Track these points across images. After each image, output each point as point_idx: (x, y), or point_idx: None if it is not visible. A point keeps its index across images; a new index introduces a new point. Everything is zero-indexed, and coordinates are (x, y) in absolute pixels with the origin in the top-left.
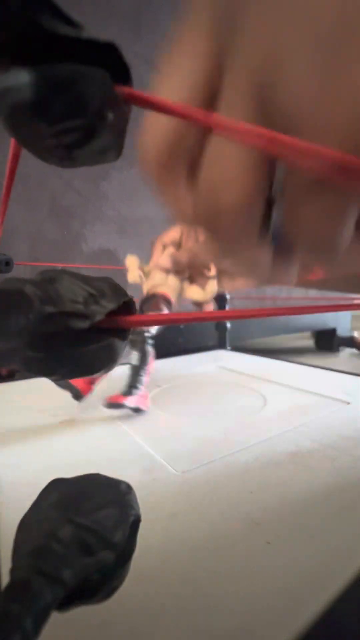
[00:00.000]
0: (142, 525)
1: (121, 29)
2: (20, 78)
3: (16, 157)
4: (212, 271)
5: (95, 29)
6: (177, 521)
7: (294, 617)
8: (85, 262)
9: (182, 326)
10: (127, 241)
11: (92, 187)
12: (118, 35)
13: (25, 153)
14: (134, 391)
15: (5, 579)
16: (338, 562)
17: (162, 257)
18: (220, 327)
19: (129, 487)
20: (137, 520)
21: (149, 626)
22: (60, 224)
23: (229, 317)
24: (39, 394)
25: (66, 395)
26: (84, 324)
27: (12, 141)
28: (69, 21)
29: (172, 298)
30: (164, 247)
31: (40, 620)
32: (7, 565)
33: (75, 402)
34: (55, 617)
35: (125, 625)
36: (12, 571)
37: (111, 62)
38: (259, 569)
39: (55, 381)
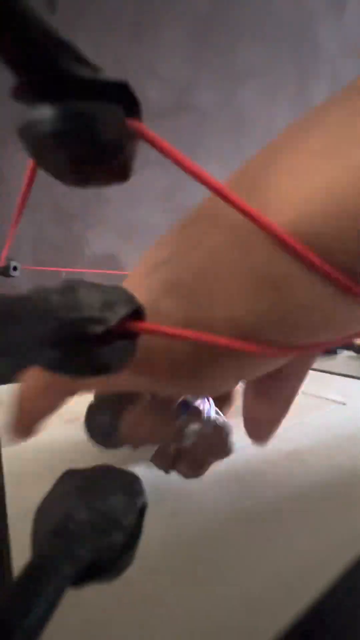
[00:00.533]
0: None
1: (123, 38)
2: (44, 112)
3: (33, 173)
4: None
5: (99, 37)
6: (177, 518)
7: (292, 609)
8: (87, 266)
9: None
10: (130, 246)
11: (95, 191)
12: (120, 44)
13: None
14: None
15: (15, 569)
16: (335, 556)
17: None
18: None
19: (136, 477)
20: (144, 507)
21: (149, 621)
22: (62, 228)
23: None
24: None
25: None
26: (99, 329)
27: (31, 162)
28: (87, 63)
29: None
30: None
31: (58, 594)
32: (15, 555)
33: (79, 401)
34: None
35: (127, 618)
36: (32, 549)
37: (124, 97)
38: (258, 565)
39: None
